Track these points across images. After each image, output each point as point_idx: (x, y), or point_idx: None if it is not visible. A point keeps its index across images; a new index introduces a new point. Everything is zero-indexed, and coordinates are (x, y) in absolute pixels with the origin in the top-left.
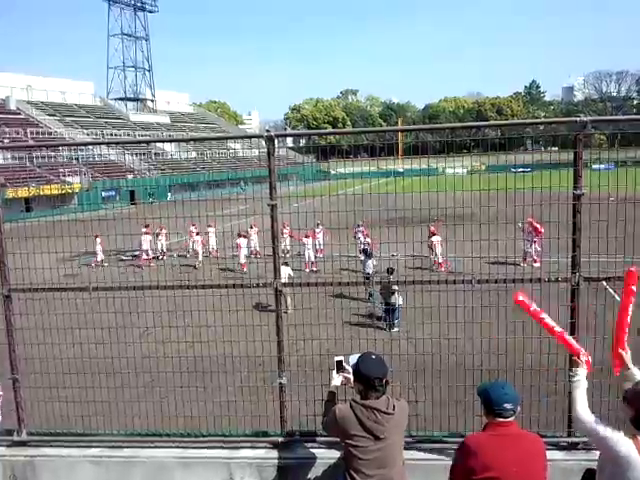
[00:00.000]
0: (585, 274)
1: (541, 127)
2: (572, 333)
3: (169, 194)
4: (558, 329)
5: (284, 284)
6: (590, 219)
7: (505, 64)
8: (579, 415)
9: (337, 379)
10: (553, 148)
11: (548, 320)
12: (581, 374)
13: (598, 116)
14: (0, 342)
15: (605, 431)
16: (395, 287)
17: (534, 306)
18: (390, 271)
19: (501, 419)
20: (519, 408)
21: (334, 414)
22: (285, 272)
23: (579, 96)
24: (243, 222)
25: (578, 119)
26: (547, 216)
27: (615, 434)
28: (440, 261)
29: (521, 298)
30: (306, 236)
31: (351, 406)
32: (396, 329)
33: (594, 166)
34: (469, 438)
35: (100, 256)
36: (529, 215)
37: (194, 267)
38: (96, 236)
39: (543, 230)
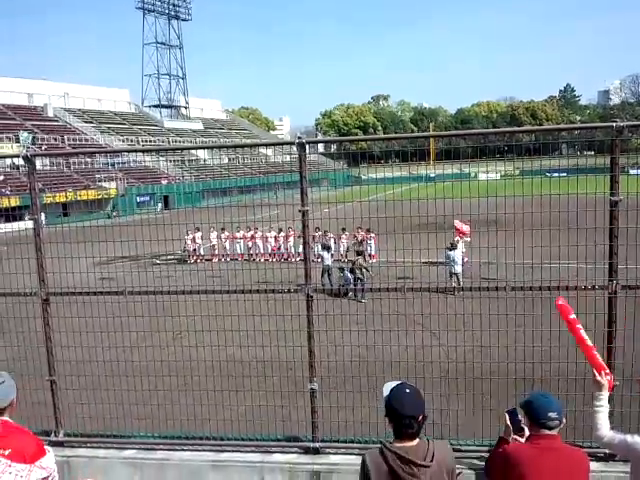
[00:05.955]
0: (622, 282)
1: (576, 132)
2: (609, 342)
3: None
4: (589, 343)
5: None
6: (628, 225)
7: (539, 68)
8: (604, 437)
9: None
10: (589, 152)
11: (582, 332)
12: (604, 398)
13: (636, 120)
14: (39, 344)
15: (632, 437)
16: (362, 262)
17: (573, 315)
18: (359, 253)
19: (546, 430)
20: (564, 420)
21: (362, 462)
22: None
23: (615, 100)
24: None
25: (615, 124)
26: (583, 221)
27: None
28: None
29: (561, 302)
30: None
31: (382, 452)
32: (364, 300)
33: (631, 171)
34: (511, 447)
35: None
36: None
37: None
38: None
39: (467, 231)
